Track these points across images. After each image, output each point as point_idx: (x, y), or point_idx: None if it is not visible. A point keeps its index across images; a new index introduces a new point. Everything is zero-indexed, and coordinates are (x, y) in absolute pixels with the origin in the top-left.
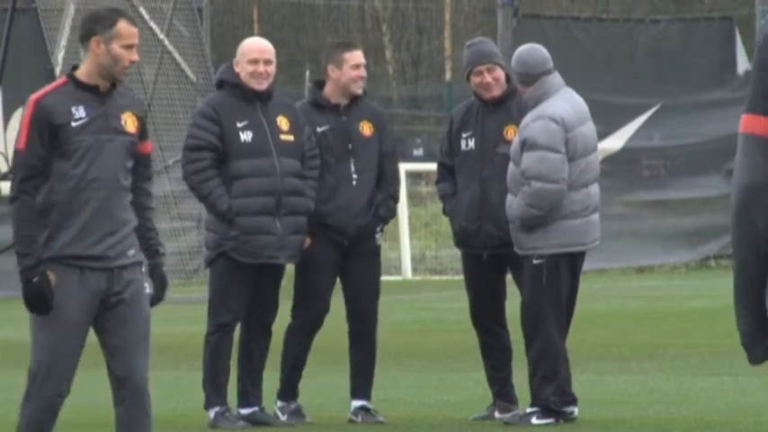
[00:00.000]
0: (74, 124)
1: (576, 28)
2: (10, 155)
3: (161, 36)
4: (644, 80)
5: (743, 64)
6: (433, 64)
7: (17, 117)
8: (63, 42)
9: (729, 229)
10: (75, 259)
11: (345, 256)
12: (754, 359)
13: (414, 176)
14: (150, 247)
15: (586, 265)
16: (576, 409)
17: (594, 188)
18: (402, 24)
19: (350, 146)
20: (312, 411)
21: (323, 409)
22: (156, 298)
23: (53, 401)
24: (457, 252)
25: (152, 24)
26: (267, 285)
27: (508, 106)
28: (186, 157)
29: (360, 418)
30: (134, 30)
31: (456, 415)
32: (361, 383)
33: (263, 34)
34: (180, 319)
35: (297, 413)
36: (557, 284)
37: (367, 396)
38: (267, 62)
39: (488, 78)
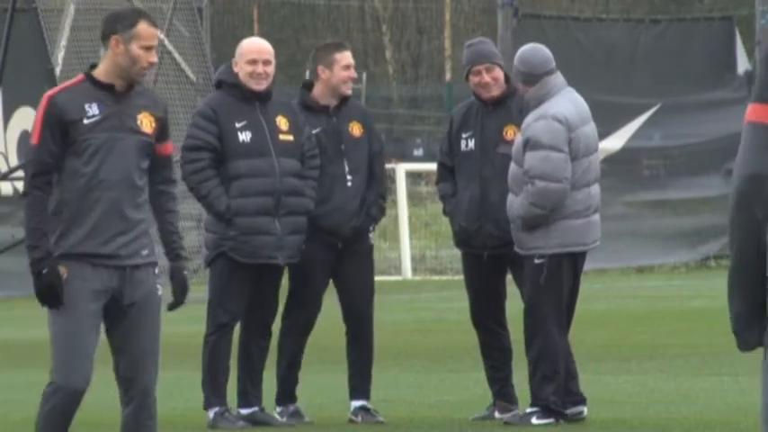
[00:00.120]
0: (86, 122)
1: (575, 28)
2: (10, 155)
3: (161, 36)
4: (644, 80)
5: (743, 64)
6: (433, 64)
7: (17, 117)
8: (63, 42)
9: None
10: (87, 257)
11: (339, 256)
12: (745, 345)
13: (414, 176)
14: (172, 250)
15: (586, 265)
16: (584, 409)
17: (596, 188)
18: (402, 24)
19: (342, 147)
20: (312, 412)
21: (323, 410)
22: (177, 302)
23: (74, 392)
24: (457, 252)
25: None
26: (266, 285)
27: (508, 106)
28: (185, 157)
29: (360, 418)
30: (154, 31)
31: (456, 415)
32: (360, 383)
33: (262, 34)
34: (180, 319)
35: (296, 414)
36: (558, 284)
37: (366, 396)
38: (266, 62)
39: (487, 78)
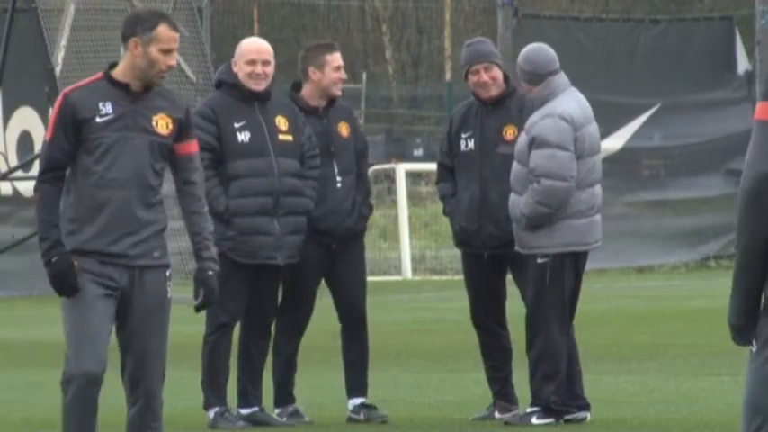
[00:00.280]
0: (98, 120)
1: (575, 28)
2: (10, 155)
3: None
4: (644, 80)
5: (743, 64)
6: (433, 64)
7: (17, 117)
8: (63, 42)
9: (730, 229)
10: (96, 255)
11: (332, 256)
12: (742, 339)
13: (414, 176)
14: (196, 251)
15: (586, 266)
16: (588, 415)
17: (599, 188)
18: (402, 24)
19: (331, 148)
20: (311, 411)
21: (323, 410)
22: (200, 304)
23: (88, 376)
24: (457, 252)
25: None
26: (265, 285)
27: (507, 106)
28: None
29: (362, 416)
30: (174, 34)
31: (456, 415)
32: (358, 381)
33: (262, 34)
34: (179, 319)
35: (295, 414)
36: (560, 284)
37: (364, 392)
38: (265, 63)
39: (485, 77)
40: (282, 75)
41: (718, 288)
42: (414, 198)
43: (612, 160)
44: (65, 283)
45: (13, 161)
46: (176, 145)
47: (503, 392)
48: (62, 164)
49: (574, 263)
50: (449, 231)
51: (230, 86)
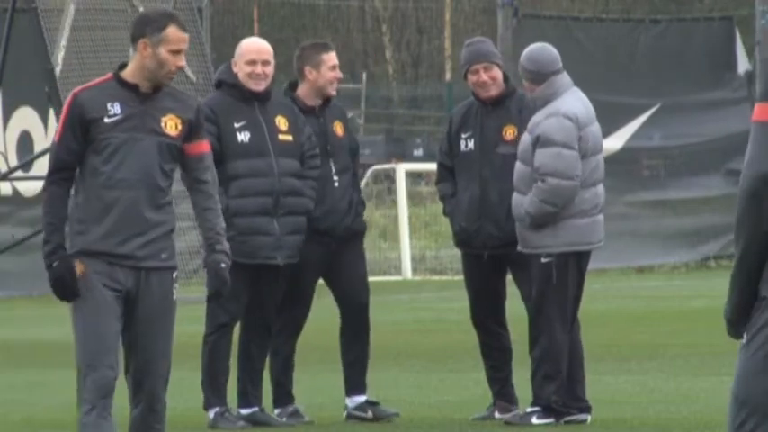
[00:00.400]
0: (107, 120)
1: (575, 28)
2: (10, 155)
3: None
4: (644, 80)
5: (743, 64)
6: (433, 64)
7: (17, 117)
8: (63, 42)
9: (729, 229)
10: (104, 256)
11: (331, 255)
12: (737, 333)
13: (414, 176)
14: (208, 245)
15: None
16: (588, 417)
17: (601, 188)
18: (402, 24)
19: (328, 147)
20: (311, 411)
21: (322, 409)
22: (211, 294)
23: (104, 383)
24: (457, 252)
25: None
26: (265, 285)
27: (507, 106)
28: None
29: (370, 413)
30: (183, 35)
31: (456, 415)
32: (360, 378)
33: (262, 34)
34: (179, 319)
35: (295, 414)
36: (564, 283)
37: (364, 390)
38: (265, 63)
39: (484, 77)
40: (282, 75)
41: (718, 288)
42: (414, 198)
43: (612, 160)
44: (65, 288)
45: (13, 161)
46: (187, 145)
47: (503, 392)
48: (70, 164)
49: (577, 262)
50: (449, 231)
51: (230, 86)
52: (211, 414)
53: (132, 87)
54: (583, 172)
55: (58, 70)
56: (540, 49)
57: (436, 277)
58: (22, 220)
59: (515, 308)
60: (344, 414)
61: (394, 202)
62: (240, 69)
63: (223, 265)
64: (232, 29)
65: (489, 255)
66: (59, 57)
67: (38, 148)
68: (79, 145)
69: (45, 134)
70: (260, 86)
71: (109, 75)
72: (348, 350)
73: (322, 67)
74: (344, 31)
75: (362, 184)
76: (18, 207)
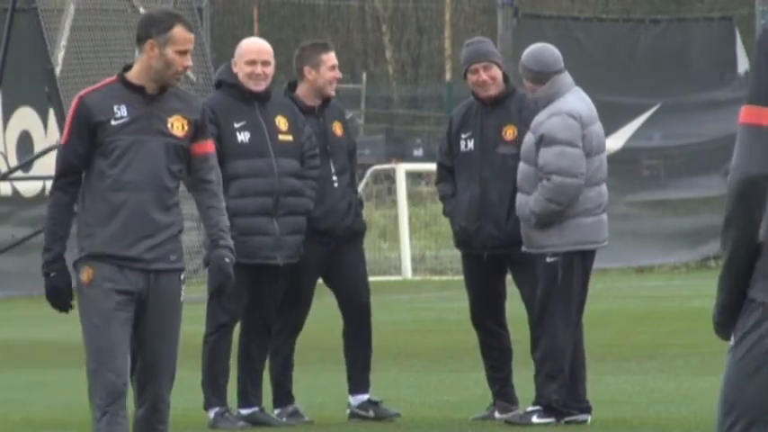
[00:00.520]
0: (113, 123)
1: (575, 28)
2: (10, 155)
3: None
4: (644, 80)
5: (743, 64)
6: (433, 64)
7: (17, 117)
8: (63, 42)
9: None
10: (113, 259)
11: (331, 255)
12: (724, 335)
13: (414, 176)
14: (212, 241)
15: None
16: (588, 418)
17: (605, 187)
18: (402, 24)
19: (328, 148)
20: (311, 411)
21: (322, 409)
22: (213, 289)
23: (113, 389)
24: (457, 252)
25: None
26: (265, 285)
27: (507, 106)
28: None
29: (371, 413)
30: (190, 35)
31: (456, 415)
32: (362, 378)
33: (262, 34)
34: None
35: (295, 414)
36: (569, 283)
37: (367, 389)
38: (265, 63)
39: (484, 76)
40: (282, 75)
41: None
42: (414, 198)
43: (612, 160)
44: (59, 300)
45: (13, 161)
46: (192, 145)
47: (503, 392)
48: (77, 168)
49: (582, 262)
50: (449, 231)
51: (230, 86)
52: (211, 414)
53: (138, 89)
54: (587, 171)
55: (58, 70)
56: (542, 49)
57: (436, 277)
58: (22, 220)
59: (515, 308)
60: (348, 412)
61: (394, 202)
62: (240, 69)
63: (227, 260)
64: (232, 29)
65: (489, 255)
66: (59, 57)
67: (38, 148)
68: (86, 148)
69: (45, 134)
70: (260, 86)
71: (114, 77)
72: (351, 349)
73: (321, 67)
74: (344, 31)
75: (362, 184)
76: (18, 207)
